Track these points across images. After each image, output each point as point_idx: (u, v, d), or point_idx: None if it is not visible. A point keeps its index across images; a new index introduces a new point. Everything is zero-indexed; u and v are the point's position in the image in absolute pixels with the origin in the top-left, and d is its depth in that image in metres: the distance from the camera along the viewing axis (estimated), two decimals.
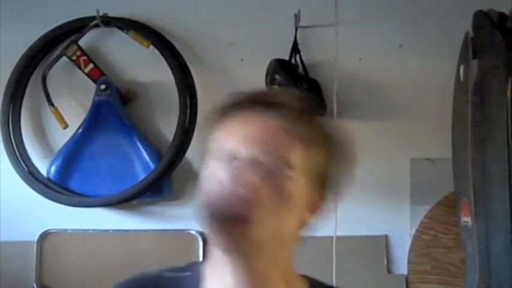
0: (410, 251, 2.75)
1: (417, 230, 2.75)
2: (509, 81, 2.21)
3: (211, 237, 1.02)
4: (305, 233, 1.10)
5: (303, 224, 1.07)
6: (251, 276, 1.05)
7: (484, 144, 2.34)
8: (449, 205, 2.68)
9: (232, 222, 0.98)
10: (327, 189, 1.09)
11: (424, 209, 2.75)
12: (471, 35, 2.41)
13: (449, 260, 2.71)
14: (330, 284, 1.20)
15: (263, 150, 1.00)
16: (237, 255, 1.02)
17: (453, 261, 2.71)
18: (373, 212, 2.79)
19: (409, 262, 2.75)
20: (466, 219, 2.41)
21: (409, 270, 2.75)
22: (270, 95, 1.08)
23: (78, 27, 2.85)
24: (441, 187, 2.71)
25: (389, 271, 2.77)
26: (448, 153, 2.58)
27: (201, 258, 2.77)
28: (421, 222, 2.74)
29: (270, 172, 0.99)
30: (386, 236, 2.79)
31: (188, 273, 1.13)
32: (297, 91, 1.06)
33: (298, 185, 1.02)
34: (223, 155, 1.01)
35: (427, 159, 2.76)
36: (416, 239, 2.74)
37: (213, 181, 1.01)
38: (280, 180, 1.00)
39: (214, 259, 1.09)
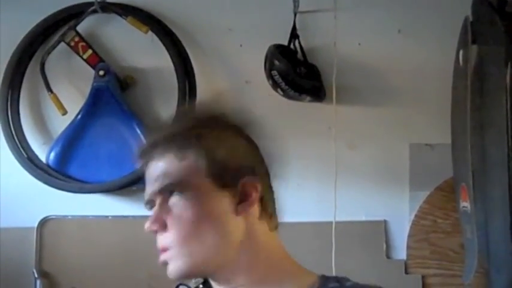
0: (409, 236, 2.75)
1: (416, 216, 2.75)
2: (509, 66, 2.21)
3: None
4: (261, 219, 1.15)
5: (247, 215, 1.11)
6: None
7: (483, 129, 2.34)
8: (449, 190, 2.68)
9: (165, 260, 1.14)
10: (247, 181, 1.11)
11: (423, 195, 2.75)
12: (470, 19, 2.40)
13: (448, 245, 2.72)
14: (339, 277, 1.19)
15: (154, 188, 1.13)
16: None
17: (452, 246, 2.71)
18: (372, 198, 2.79)
19: (408, 247, 2.75)
20: (465, 204, 2.41)
21: (408, 255, 2.75)
22: (147, 146, 1.16)
23: (76, 13, 2.83)
24: (440, 172, 2.71)
25: (388, 256, 2.77)
26: (447, 139, 2.58)
27: None
28: (420, 207, 2.75)
29: (173, 204, 1.11)
30: (385, 222, 2.79)
31: None
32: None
33: (204, 199, 1.10)
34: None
35: (426, 144, 2.75)
36: (415, 225, 2.75)
37: None
38: (185, 207, 1.10)
39: None
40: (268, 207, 1.15)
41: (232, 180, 1.10)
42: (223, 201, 1.09)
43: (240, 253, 1.10)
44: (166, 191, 1.10)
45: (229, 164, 1.11)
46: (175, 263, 1.09)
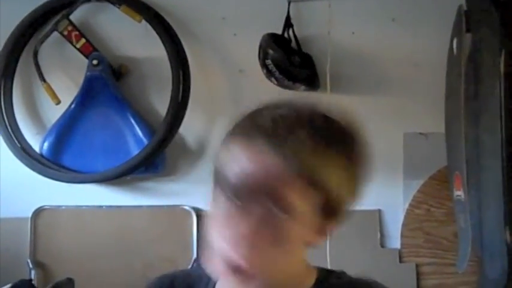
0: (404, 225, 2.76)
1: (410, 205, 2.75)
2: (502, 54, 2.21)
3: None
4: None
5: (310, 245, 1.04)
6: None
7: (477, 117, 2.34)
8: (442, 179, 2.68)
9: (239, 274, 0.97)
10: (342, 215, 1.04)
11: (417, 184, 2.75)
12: (464, 8, 2.40)
13: (442, 234, 2.73)
14: (339, 272, 1.18)
15: (260, 193, 0.95)
16: None
17: (446, 235, 2.72)
18: (366, 187, 2.79)
19: (402, 236, 2.76)
20: (459, 193, 2.41)
21: (402, 244, 2.76)
22: (283, 127, 0.97)
23: (69, 2, 2.83)
24: (434, 161, 2.72)
25: (382, 245, 2.78)
26: (441, 128, 2.58)
27: (194, 234, 2.78)
28: (414, 196, 2.75)
29: (266, 218, 0.95)
30: (379, 211, 2.79)
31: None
32: (320, 116, 1.00)
33: (298, 225, 0.97)
34: (225, 194, 0.97)
35: (420, 133, 2.76)
36: (409, 213, 2.75)
37: (217, 234, 0.98)
38: (276, 226, 0.96)
39: None
40: None
41: (327, 216, 1.01)
42: (308, 232, 1.01)
43: (297, 272, 1.08)
44: (287, 211, 0.95)
45: (341, 204, 1.02)
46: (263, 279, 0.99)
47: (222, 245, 0.97)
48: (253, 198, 0.94)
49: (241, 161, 0.96)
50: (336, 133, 1.01)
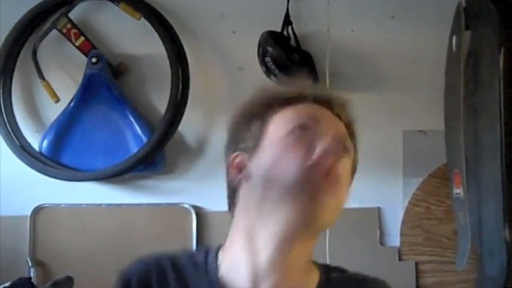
0: (403, 223, 2.76)
1: (410, 202, 2.75)
2: (502, 52, 2.21)
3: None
4: None
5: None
6: (278, 262, 1.07)
7: (476, 114, 2.34)
8: (442, 177, 2.68)
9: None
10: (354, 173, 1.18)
11: (417, 181, 2.75)
12: (464, 5, 2.40)
13: (442, 232, 2.73)
14: (341, 267, 1.21)
15: (336, 132, 1.10)
16: (297, 231, 1.06)
17: (445, 233, 2.72)
18: (365, 185, 2.78)
19: (401, 234, 2.76)
20: (458, 190, 2.41)
21: (401, 242, 2.76)
22: (321, 92, 1.17)
23: None
24: (434, 159, 2.72)
25: (382, 243, 2.78)
26: (440, 125, 2.58)
27: (194, 232, 2.77)
28: (414, 194, 2.75)
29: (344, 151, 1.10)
30: (378, 209, 2.79)
31: (203, 256, 1.15)
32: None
33: (349, 166, 1.12)
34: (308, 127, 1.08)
35: (420, 131, 2.76)
36: (408, 211, 2.75)
37: (309, 152, 1.06)
38: (346, 160, 1.10)
39: (234, 242, 1.11)
40: None
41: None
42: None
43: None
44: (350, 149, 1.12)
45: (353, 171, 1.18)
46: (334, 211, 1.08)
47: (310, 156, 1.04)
48: (332, 131, 1.08)
49: (316, 110, 1.11)
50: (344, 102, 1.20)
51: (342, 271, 1.17)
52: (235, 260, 1.09)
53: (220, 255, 1.13)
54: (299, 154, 1.04)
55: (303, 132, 1.07)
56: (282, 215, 1.04)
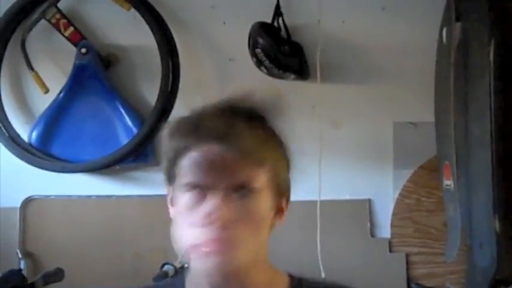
0: (394, 214, 2.76)
1: (400, 194, 2.76)
2: (492, 43, 2.21)
3: (195, 264, 1.09)
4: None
5: (272, 228, 1.14)
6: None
7: (466, 106, 2.35)
8: (432, 169, 2.69)
9: (217, 253, 1.05)
10: (288, 191, 1.17)
11: (407, 173, 2.76)
12: None
13: (432, 224, 2.74)
14: (316, 279, 1.24)
15: (228, 180, 1.06)
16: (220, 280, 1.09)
17: (435, 224, 2.73)
18: (356, 176, 2.80)
19: (392, 226, 2.77)
20: (448, 182, 2.42)
21: (392, 233, 2.76)
22: (224, 127, 1.09)
23: None
24: (424, 151, 2.72)
25: (372, 235, 2.78)
26: (431, 117, 2.59)
27: None
28: (404, 186, 2.76)
29: (228, 198, 1.06)
30: (369, 200, 2.80)
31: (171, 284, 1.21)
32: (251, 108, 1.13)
33: (263, 203, 1.09)
34: (192, 196, 1.08)
35: (410, 123, 2.76)
36: (399, 203, 2.76)
37: (191, 226, 1.07)
38: (247, 205, 1.07)
39: (194, 276, 1.16)
40: None
41: (281, 195, 1.14)
42: (271, 210, 1.12)
43: (263, 257, 1.15)
44: (245, 188, 1.07)
45: (284, 184, 1.16)
46: (238, 256, 1.06)
47: (193, 231, 1.05)
48: (212, 183, 1.06)
49: (194, 156, 1.08)
50: (258, 116, 1.13)
51: (313, 282, 1.20)
52: (196, 281, 1.15)
53: (187, 278, 1.19)
54: (188, 218, 1.07)
55: (192, 193, 1.07)
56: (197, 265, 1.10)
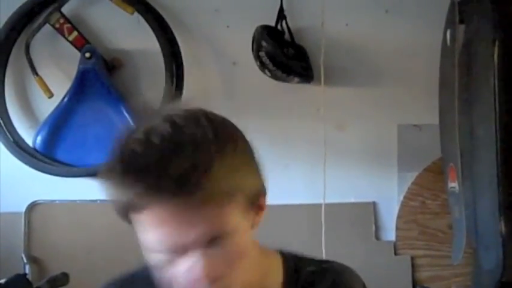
0: (398, 217, 2.76)
1: (405, 197, 2.75)
2: (496, 45, 2.20)
3: None
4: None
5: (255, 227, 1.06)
6: None
7: (471, 108, 2.34)
8: (437, 171, 2.68)
9: None
10: (263, 190, 1.06)
11: (412, 176, 2.75)
12: None
13: (437, 226, 2.73)
14: (308, 256, 1.19)
15: (199, 238, 0.94)
16: None
17: (441, 227, 2.72)
18: (361, 179, 2.79)
19: (397, 228, 2.76)
20: (453, 184, 2.41)
21: (397, 236, 2.76)
22: (176, 175, 0.92)
23: None
24: (429, 153, 2.72)
25: (377, 238, 2.78)
26: (435, 119, 2.58)
27: None
28: (409, 188, 2.75)
29: (214, 251, 0.96)
30: (374, 203, 2.79)
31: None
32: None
33: (241, 235, 0.99)
34: (163, 260, 0.98)
35: (415, 125, 2.75)
36: (404, 206, 2.75)
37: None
38: (226, 250, 0.97)
39: None
40: None
41: (255, 201, 1.03)
42: (248, 224, 1.02)
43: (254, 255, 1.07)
44: (219, 237, 0.96)
45: (256, 189, 1.03)
46: None
47: None
48: (182, 245, 0.94)
49: (151, 218, 0.94)
50: (202, 138, 0.96)
51: (309, 264, 1.15)
52: None
53: None
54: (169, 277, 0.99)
55: (161, 256, 0.98)
56: None
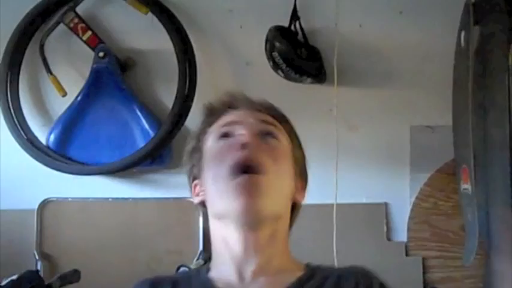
0: (410, 218, 2.75)
1: (417, 198, 2.75)
2: (511, 47, 2.20)
3: (228, 195, 1.13)
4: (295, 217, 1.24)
5: (292, 201, 1.22)
6: (255, 248, 1.15)
7: (485, 110, 2.33)
8: (449, 172, 2.68)
9: (249, 174, 1.13)
10: (306, 176, 1.26)
11: (424, 177, 2.75)
12: (472, 0, 2.39)
13: (449, 227, 2.72)
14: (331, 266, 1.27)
15: (257, 125, 1.19)
16: (245, 225, 1.14)
17: (453, 228, 2.72)
18: (373, 180, 2.79)
19: (408, 229, 2.76)
20: (466, 186, 2.41)
21: (408, 237, 2.75)
22: (253, 100, 1.26)
23: None
24: (441, 154, 2.71)
25: (389, 238, 2.77)
26: (448, 121, 2.58)
27: (200, 226, 2.77)
28: (421, 189, 2.75)
29: (264, 137, 1.18)
30: (386, 204, 2.79)
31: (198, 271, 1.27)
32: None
33: (285, 147, 1.20)
34: (228, 132, 1.19)
35: (427, 126, 2.75)
36: (416, 207, 2.75)
37: (227, 150, 1.16)
38: (272, 143, 1.19)
39: (217, 255, 1.21)
40: None
41: (300, 175, 1.23)
42: (291, 166, 1.20)
43: (285, 216, 1.20)
44: (271, 134, 1.19)
45: (303, 165, 1.25)
46: (265, 199, 1.13)
47: (229, 153, 1.14)
48: (244, 119, 1.20)
49: (235, 116, 1.21)
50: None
51: (327, 267, 1.24)
52: (220, 260, 1.20)
53: (211, 263, 1.24)
54: (223, 160, 1.15)
55: (224, 140, 1.18)
56: (231, 217, 1.14)
